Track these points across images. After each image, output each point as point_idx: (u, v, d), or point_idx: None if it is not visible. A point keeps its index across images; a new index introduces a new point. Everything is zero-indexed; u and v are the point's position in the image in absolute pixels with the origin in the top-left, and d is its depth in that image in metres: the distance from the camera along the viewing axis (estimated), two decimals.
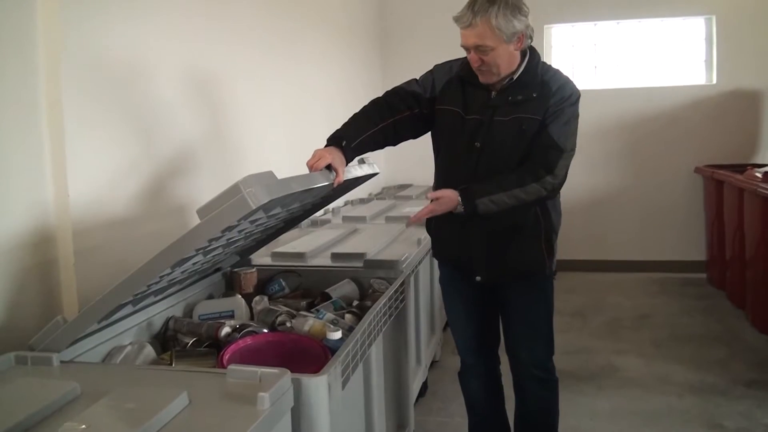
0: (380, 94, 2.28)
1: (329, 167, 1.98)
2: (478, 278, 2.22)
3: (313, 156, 1.99)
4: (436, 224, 2.32)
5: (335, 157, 2.00)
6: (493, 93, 2.12)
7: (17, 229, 1.77)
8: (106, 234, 2.09)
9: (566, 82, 2.15)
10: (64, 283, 1.91)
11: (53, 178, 1.88)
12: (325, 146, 2.06)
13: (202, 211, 1.53)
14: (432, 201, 2.10)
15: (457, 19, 2.02)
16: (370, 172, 2.40)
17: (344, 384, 1.68)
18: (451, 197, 2.07)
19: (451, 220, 2.17)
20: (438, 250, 2.40)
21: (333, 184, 1.99)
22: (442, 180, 2.26)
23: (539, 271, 2.24)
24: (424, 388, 3.25)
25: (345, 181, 2.05)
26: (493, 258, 2.18)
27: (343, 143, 2.05)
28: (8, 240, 1.74)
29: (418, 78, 2.27)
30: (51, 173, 1.88)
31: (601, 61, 5.88)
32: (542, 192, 2.08)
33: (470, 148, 2.12)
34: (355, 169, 2.24)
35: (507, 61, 2.06)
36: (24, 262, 1.79)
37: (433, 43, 5.50)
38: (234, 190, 1.50)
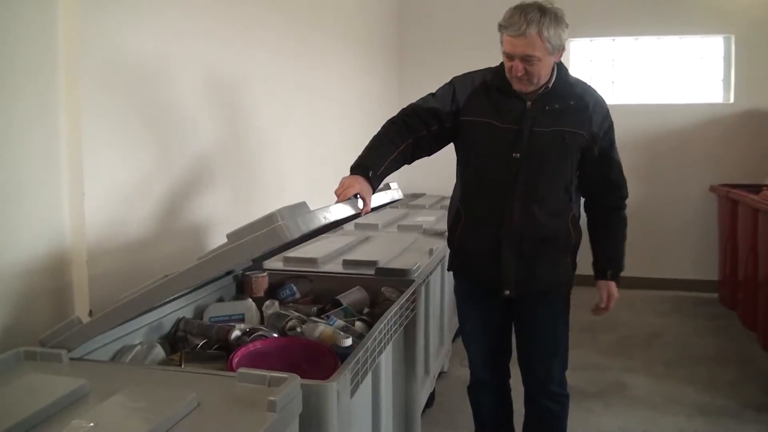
0: (397, 104, 2.26)
1: (356, 195, 1.97)
2: (506, 292, 2.17)
3: (341, 185, 1.98)
4: (463, 239, 2.26)
5: (363, 186, 1.99)
6: (528, 102, 2.10)
7: (32, 253, 1.78)
8: (120, 256, 2.09)
9: (597, 96, 2.17)
10: (78, 304, 1.92)
11: (70, 201, 1.90)
12: (351, 174, 2.04)
13: (233, 236, 1.54)
14: (598, 308, 2.29)
15: (506, 26, 1.97)
16: (396, 198, 2.43)
17: (353, 392, 1.67)
18: (613, 292, 2.25)
19: (481, 236, 2.16)
20: (460, 264, 2.34)
21: (361, 213, 2.00)
22: (472, 192, 2.21)
23: (565, 285, 2.22)
24: (431, 399, 3.23)
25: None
26: (523, 271, 2.15)
27: (370, 173, 2.03)
28: (26, 262, 1.75)
29: (434, 92, 2.22)
30: (68, 196, 1.89)
31: (618, 76, 5.87)
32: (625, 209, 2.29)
33: (508, 158, 2.09)
34: (381, 196, 2.24)
35: (547, 73, 2.06)
36: (39, 286, 1.80)
37: (451, 54, 5.55)
38: (268, 220, 1.51)
